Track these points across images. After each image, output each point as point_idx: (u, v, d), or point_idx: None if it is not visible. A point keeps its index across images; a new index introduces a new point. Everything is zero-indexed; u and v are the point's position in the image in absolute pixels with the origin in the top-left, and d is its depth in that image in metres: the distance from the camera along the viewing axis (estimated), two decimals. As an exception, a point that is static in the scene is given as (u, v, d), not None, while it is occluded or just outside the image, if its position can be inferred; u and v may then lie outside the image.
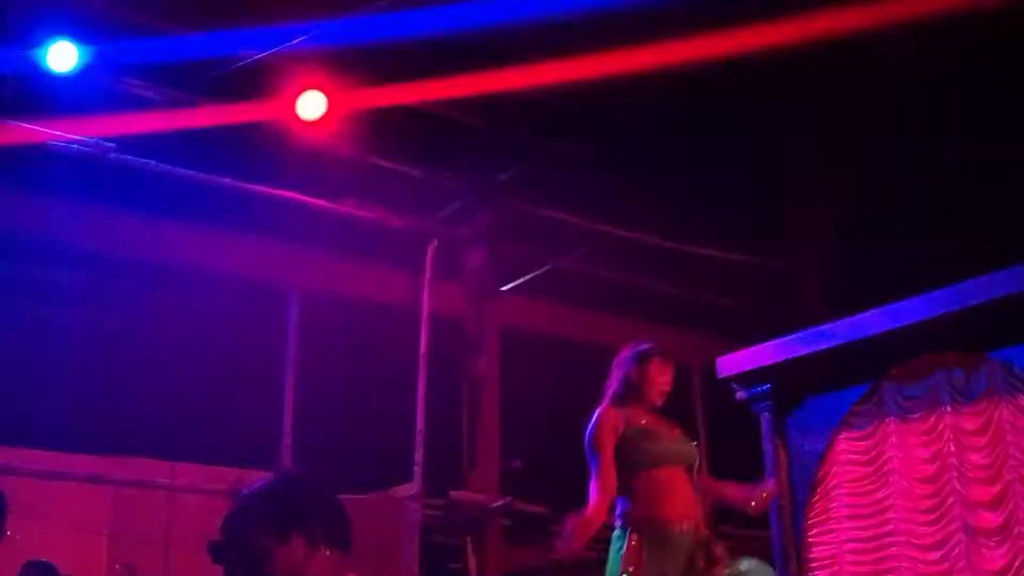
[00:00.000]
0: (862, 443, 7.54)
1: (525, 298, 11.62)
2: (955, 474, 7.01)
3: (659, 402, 4.12)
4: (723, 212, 11.33)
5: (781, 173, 12.15)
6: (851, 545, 7.38)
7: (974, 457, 6.96)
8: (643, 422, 4.06)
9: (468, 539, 9.75)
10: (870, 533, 7.32)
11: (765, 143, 11.79)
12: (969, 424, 7.02)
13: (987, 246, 8.90)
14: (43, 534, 7.60)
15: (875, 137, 11.23)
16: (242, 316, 10.06)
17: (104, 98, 8.02)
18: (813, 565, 7.57)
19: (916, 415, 7.26)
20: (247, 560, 2.22)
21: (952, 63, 9.80)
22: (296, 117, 8.35)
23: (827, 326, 7.60)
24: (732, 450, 9.31)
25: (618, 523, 3.92)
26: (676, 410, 11.54)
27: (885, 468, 7.32)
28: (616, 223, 11.52)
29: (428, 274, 9.85)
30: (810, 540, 7.61)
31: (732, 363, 8.17)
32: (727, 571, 3.84)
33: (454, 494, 9.86)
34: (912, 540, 7.18)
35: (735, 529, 10.79)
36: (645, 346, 4.29)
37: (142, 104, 8.27)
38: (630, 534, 3.84)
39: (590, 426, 4.13)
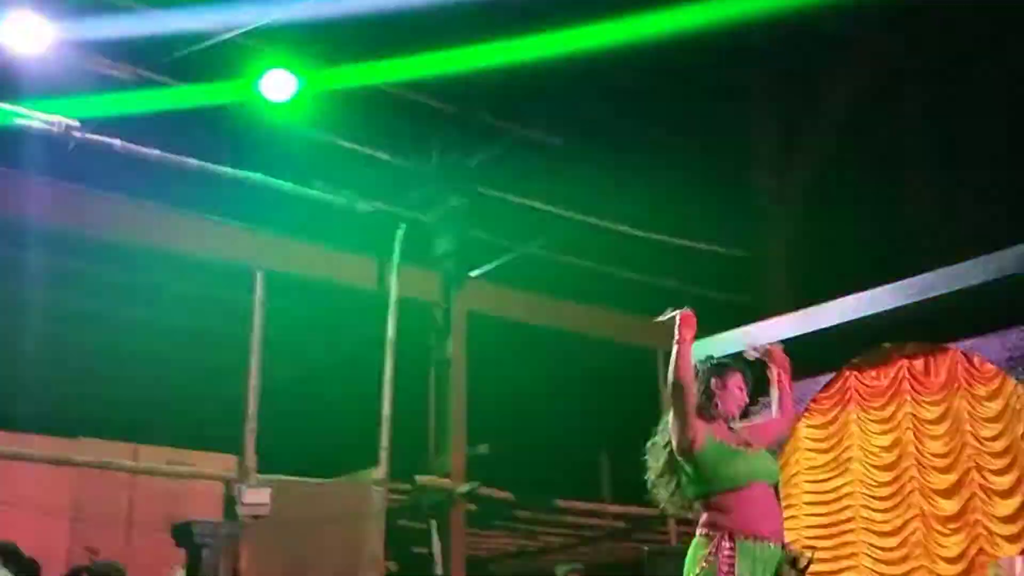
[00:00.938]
0: (823, 431, 7.63)
1: (493, 284, 11.63)
2: (913, 462, 7.11)
3: (737, 416, 4.00)
4: (690, 201, 11.40)
5: (747, 164, 12.24)
6: (811, 531, 7.47)
7: (932, 446, 7.06)
8: (725, 437, 3.91)
9: (433, 523, 9.78)
10: (830, 519, 7.42)
11: (732, 134, 11.88)
12: (928, 413, 7.13)
13: (945, 240, 9.04)
14: (5, 516, 7.56)
15: (840, 129, 11.33)
16: (207, 298, 10.01)
17: (70, 77, 7.93)
18: (773, 551, 7.65)
19: (876, 404, 7.35)
20: None
21: (916, 49, 9.92)
22: (263, 98, 8.31)
23: (790, 315, 7.68)
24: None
25: (704, 531, 3.74)
26: (642, 393, 11.63)
27: (845, 456, 7.42)
28: (584, 210, 11.56)
29: (396, 258, 9.82)
30: (771, 526, 7.69)
31: (698, 350, 8.21)
32: None
33: (420, 479, 9.88)
34: (870, 526, 7.29)
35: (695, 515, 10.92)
36: (720, 360, 4.22)
37: (108, 84, 8.20)
38: (722, 540, 3.69)
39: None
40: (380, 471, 9.09)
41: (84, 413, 9.67)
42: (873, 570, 7.21)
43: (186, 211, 9.13)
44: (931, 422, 7.08)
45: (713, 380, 4.04)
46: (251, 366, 8.85)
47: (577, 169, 11.47)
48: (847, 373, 7.53)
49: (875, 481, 7.34)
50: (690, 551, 3.76)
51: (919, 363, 7.17)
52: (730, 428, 3.92)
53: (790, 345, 7.48)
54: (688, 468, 3.79)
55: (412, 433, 10.32)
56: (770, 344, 4.27)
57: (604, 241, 11.84)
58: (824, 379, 7.59)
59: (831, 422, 7.58)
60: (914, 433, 7.16)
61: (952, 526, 6.85)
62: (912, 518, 7.04)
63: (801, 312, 7.60)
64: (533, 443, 11.10)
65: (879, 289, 7.03)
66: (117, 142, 8.04)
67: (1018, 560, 6.07)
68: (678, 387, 3.85)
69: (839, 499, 7.42)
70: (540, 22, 8.44)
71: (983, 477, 6.74)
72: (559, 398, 11.54)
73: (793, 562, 3.73)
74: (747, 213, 12.16)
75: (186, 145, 8.55)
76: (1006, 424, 6.66)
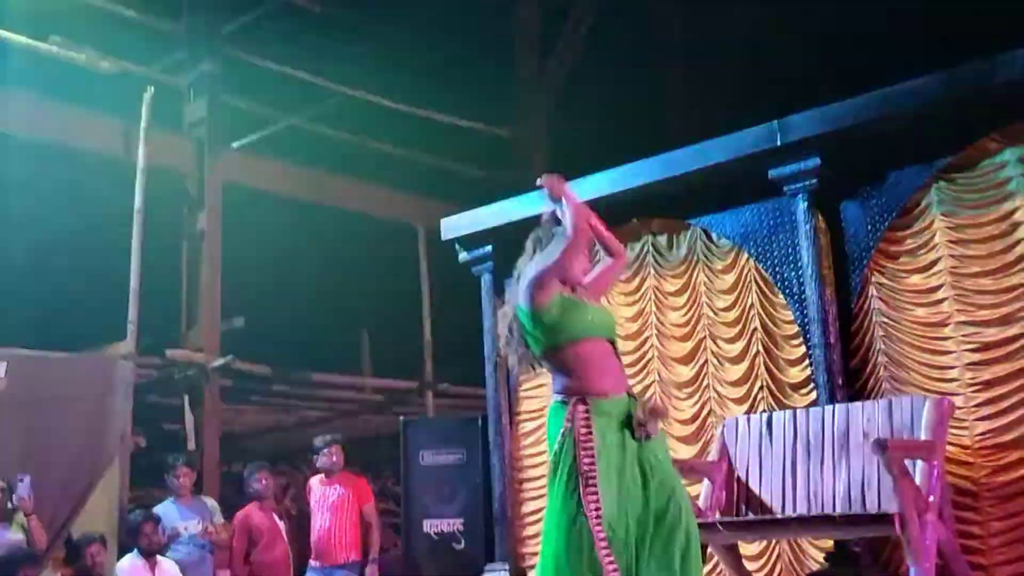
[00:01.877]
0: (573, 303, 7.89)
1: (253, 155, 11.28)
2: (655, 332, 7.50)
3: (583, 281, 4.14)
4: (454, 79, 11.37)
5: (511, 43, 12.29)
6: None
7: (672, 316, 7.45)
8: (571, 291, 4.06)
9: (186, 399, 9.57)
10: (576, 387, 7.72)
11: (497, 13, 11.86)
12: (670, 286, 7.49)
13: (698, 117, 9.43)
14: None
15: (602, 8, 11.50)
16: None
17: None
18: (524, 417, 7.96)
19: (623, 277, 7.65)
20: None
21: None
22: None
23: (541, 192, 7.81)
24: (455, 308, 9.58)
25: (558, 397, 3.92)
26: (404, 271, 11.64)
27: (593, 326, 7.71)
28: (347, 82, 11.32)
29: (144, 124, 9.30)
30: (522, 393, 7.98)
31: (454, 225, 8.30)
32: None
33: (171, 353, 9.60)
34: (614, 392, 7.65)
35: (454, 386, 11.22)
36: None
37: None
38: (576, 405, 3.85)
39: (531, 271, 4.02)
40: (128, 345, 8.76)
41: None
42: (616, 431, 7.61)
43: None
44: (672, 294, 7.46)
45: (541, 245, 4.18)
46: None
47: (340, 39, 11.16)
48: (595, 247, 7.78)
49: (621, 351, 7.69)
50: (549, 418, 3.95)
51: (663, 238, 7.50)
52: (572, 288, 4.10)
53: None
54: (537, 324, 3.93)
55: (164, 307, 9.97)
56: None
57: (367, 115, 11.68)
58: (576, 253, 7.81)
59: (581, 294, 7.85)
60: (656, 304, 7.53)
61: (687, 391, 7.30)
62: (652, 383, 7.46)
63: (557, 188, 7.74)
64: (292, 317, 11.00)
65: (628, 166, 7.25)
66: None
67: (741, 418, 6.58)
68: (572, 244, 4.00)
69: (586, 367, 7.74)
70: None
71: (716, 345, 7.19)
72: (320, 273, 11.44)
73: (640, 406, 3.94)
74: (510, 92, 12.25)
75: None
76: (738, 296, 7.11)
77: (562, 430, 3.84)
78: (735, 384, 7.07)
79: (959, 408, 5.97)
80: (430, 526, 8.13)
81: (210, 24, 10.39)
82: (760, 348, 6.95)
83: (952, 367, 6.15)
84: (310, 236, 11.33)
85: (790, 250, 6.73)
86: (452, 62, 11.28)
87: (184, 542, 7.40)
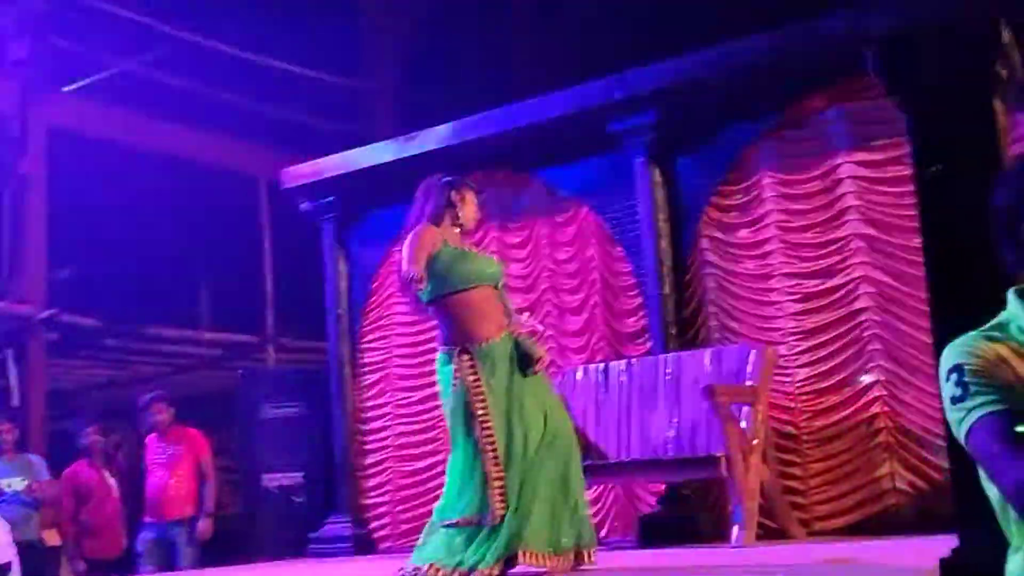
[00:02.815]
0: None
1: (83, 100, 10.77)
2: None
3: (472, 228, 4.67)
4: (299, 29, 11.10)
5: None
6: (401, 350, 7.78)
7: (515, 268, 7.51)
8: (457, 243, 4.49)
9: (9, 353, 9.13)
10: (419, 339, 7.73)
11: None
12: (513, 238, 7.55)
13: (543, 69, 9.48)
14: None
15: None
16: None
17: None
18: (365, 369, 7.92)
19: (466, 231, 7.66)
20: None
21: None
22: None
23: (386, 142, 7.76)
24: (297, 259, 9.42)
25: (444, 348, 4.36)
26: (245, 222, 11.36)
27: (436, 278, 7.71)
28: (188, 28, 10.92)
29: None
30: (364, 345, 7.94)
31: (296, 175, 8.14)
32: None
33: (-8, 305, 9.15)
34: (456, 344, 7.69)
35: (293, 341, 11.07)
36: (456, 176, 4.75)
37: None
38: (460, 355, 4.29)
39: (410, 238, 4.43)
40: (-55, 296, 8.30)
41: None
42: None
43: None
44: (515, 247, 7.52)
45: (452, 193, 4.56)
46: None
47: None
48: (441, 199, 7.77)
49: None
50: (439, 368, 4.41)
51: (506, 191, 7.54)
52: (461, 236, 4.59)
53: (387, 171, 7.66)
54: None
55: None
56: None
57: (207, 62, 11.31)
58: (419, 204, 7.78)
59: (424, 246, 7.84)
60: (499, 257, 7.55)
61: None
62: (494, 335, 7.51)
63: (401, 138, 7.69)
64: (126, 270, 10.60)
65: (470, 118, 7.25)
66: None
67: (579, 368, 6.71)
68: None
69: (429, 319, 7.73)
70: None
71: (557, 296, 7.30)
72: (156, 224, 11.05)
73: (519, 344, 4.38)
74: (355, 42, 12.05)
75: None
76: (578, 248, 7.23)
77: (453, 381, 4.27)
78: (575, 335, 7.21)
79: (782, 356, 6.24)
80: (270, 480, 8.04)
81: (35, -41, 9.84)
82: (599, 299, 7.09)
83: (777, 317, 6.41)
84: (145, 186, 10.92)
85: (628, 203, 6.86)
86: (296, 10, 11.01)
87: (8, 499, 7.12)
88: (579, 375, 6.65)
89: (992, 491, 1.81)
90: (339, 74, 11.97)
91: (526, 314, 4.92)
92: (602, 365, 6.62)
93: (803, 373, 6.28)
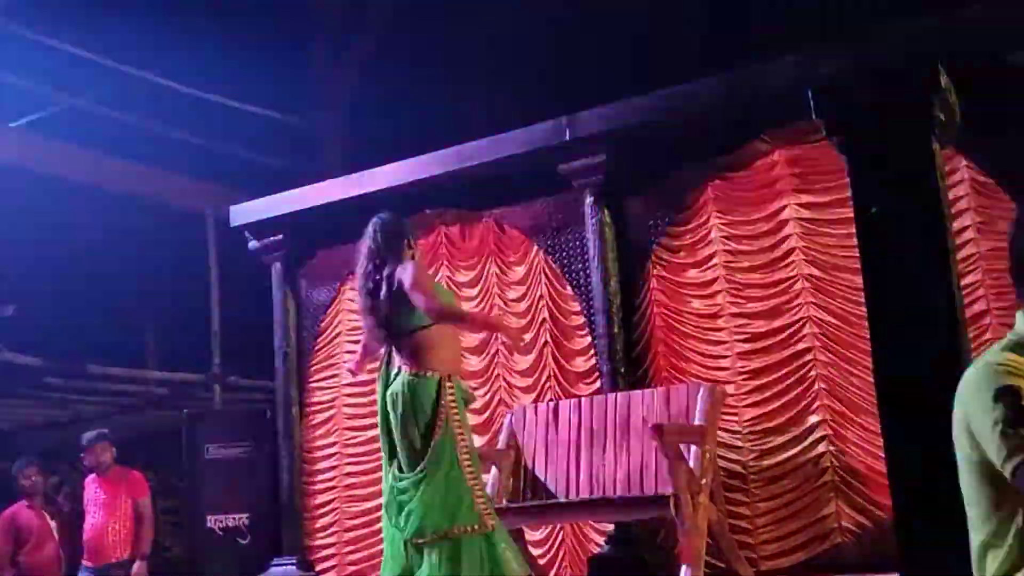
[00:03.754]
0: (366, 293, 7.85)
1: (30, 135, 10.64)
2: (447, 322, 7.53)
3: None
4: (248, 65, 11.08)
5: (309, 31, 12.09)
6: (350, 388, 7.72)
7: (465, 306, 7.50)
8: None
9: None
10: (367, 377, 7.67)
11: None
12: (462, 277, 7.56)
13: (494, 109, 9.55)
14: None
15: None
16: None
17: None
18: (313, 409, 7.85)
19: (416, 267, 7.65)
20: None
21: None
22: None
23: (336, 180, 7.75)
24: (244, 297, 9.33)
25: (426, 372, 4.37)
26: (192, 259, 11.23)
27: (386, 317, 7.67)
28: (136, 64, 10.86)
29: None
30: (312, 385, 7.87)
31: (244, 212, 8.09)
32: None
33: (-69, 344, 8.94)
34: (403, 382, 7.65)
35: (240, 380, 10.93)
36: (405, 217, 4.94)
37: None
38: (446, 381, 4.37)
39: (419, 275, 4.44)
40: None
41: None
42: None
43: None
44: (464, 285, 7.53)
45: (410, 238, 4.69)
46: None
47: (129, 19, 10.69)
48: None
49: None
50: (419, 390, 4.34)
51: (455, 229, 7.56)
52: None
53: (337, 210, 7.64)
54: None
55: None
56: None
57: (155, 98, 11.24)
58: (369, 243, 7.76)
59: (374, 285, 7.81)
60: (449, 296, 7.57)
61: (478, 381, 7.38)
62: (443, 374, 7.48)
63: (352, 176, 7.68)
64: (70, 307, 10.43)
65: (422, 157, 7.27)
66: None
67: (529, 407, 6.71)
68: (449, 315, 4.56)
69: (378, 358, 7.69)
70: None
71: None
72: (101, 260, 10.89)
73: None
74: (305, 80, 12.05)
75: None
76: (528, 287, 7.25)
77: (439, 406, 4.32)
78: (524, 374, 7.21)
79: (730, 395, 6.29)
80: (215, 521, 7.91)
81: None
82: (549, 338, 7.10)
83: (725, 356, 6.47)
84: (91, 222, 10.77)
85: (578, 243, 6.92)
86: (246, 47, 10.99)
87: (-57, 542, 6.91)
88: (528, 414, 6.64)
89: (978, 537, 1.78)
90: (288, 111, 11.96)
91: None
92: (552, 404, 6.62)
93: (750, 412, 6.33)
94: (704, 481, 5.69)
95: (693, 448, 5.77)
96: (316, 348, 7.93)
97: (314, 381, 7.88)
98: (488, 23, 11.04)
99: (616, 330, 6.65)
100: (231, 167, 11.38)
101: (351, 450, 7.67)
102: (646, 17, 10.17)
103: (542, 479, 6.39)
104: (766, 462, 6.25)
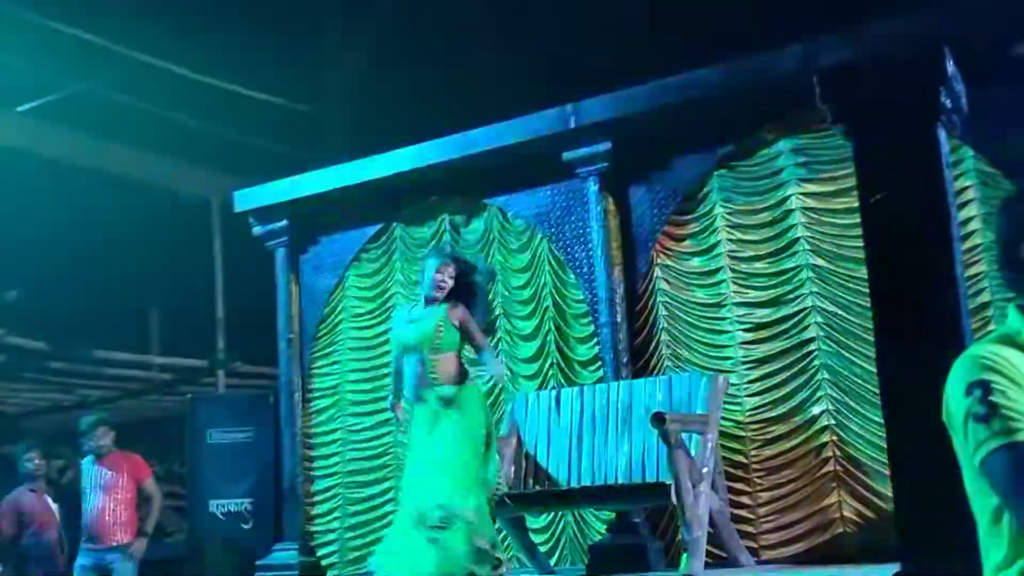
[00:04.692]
0: (370, 279, 7.85)
1: (36, 120, 10.65)
2: (449, 309, 7.51)
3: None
4: (255, 50, 11.07)
5: (316, 16, 12.06)
6: (353, 375, 7.73)
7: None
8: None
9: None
10: (371, 364, 7.70)
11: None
12: (466, 265, 7.53)
13: (496, 97, 9.52)
14: None
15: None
16: None
17: None
18: (317, 394, 7.85)
19: (420, 255, 7.64)
20: None
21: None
22: None
23: (341, 166, 7.73)
24: (249, 283, 9.33)
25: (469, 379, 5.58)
26: (197, 245, 11.24)
27: (389, 304, 7.69)
28: (143, 49, 10.85)
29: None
30: (315, 370, 7.87)
31: (249, 197, 8.08)
32: None
33: (-65, 326, 8.96)
34: (408, 370, 7.64)
35: (243, 365, 10.95)
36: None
37: None
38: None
39: (469, 318, 5.51)
40: None
41: None
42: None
43: None
44: (468, 273, 7.50)
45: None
46: None
47: (136, 4, 10.69)
48: (395, 225, 7.76)
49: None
50: (476, 396, 5.52)
51: (460, 217, 7.54)
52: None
53: (342, 196, 7.64)
54: (456, 329, 5.44)
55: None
56: None
57: (162, 84, 11.24)
58: (372, 230, 7.77)
59: (377, 271, 7.81)
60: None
61: (481, 368, 7.35)
62: (446, 362, 7.47)
63: (355, 163, 7.67)
64: (75, 292, 10.44)
65: (426, 144, 7.25)
66: None
67: (531, 394, 6.70)
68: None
69: (382, 345, 7.68)
70: None
71: (510, 323, 7.29)
72: (107, 246, 10.91)
73: None
74: (311, 66, 12.03)
75: None
76: (532, 275, 7.23)
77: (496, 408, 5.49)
78: (528, 361, 7.20)
79: (733, 384, 6.27)
80: (216, 506, 7.92)
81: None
82: (552, 326, 7.09)
83: (728, 346, 6.45)
84: (97, 207, 10.78)
85: (581, 231, 6.89)
86: (254, 34, 10.98)
87: (-53, 526, 6.92)
88: (531, 401, 6.64)
89: (987, 505, 1.76)
90: (295, 98, 11.95)
91: None
92: (554, 392, 6.61)
93: (753, 402, 6.31)
94: (705, 470, 5.68)
95: (695, 437, 5.76)
96: (319, 334, 7.92)
97: (317, 367, 7.88)
98: (494, 11, 11.01)
99: (619, 318, 6.63)
100: (237, 153, 11.38)
101: (354, 436, 7.68)
102: (651, 4, 10.13)
103: (544, 466, 6.40)
104: (768, 452, 6.23)
